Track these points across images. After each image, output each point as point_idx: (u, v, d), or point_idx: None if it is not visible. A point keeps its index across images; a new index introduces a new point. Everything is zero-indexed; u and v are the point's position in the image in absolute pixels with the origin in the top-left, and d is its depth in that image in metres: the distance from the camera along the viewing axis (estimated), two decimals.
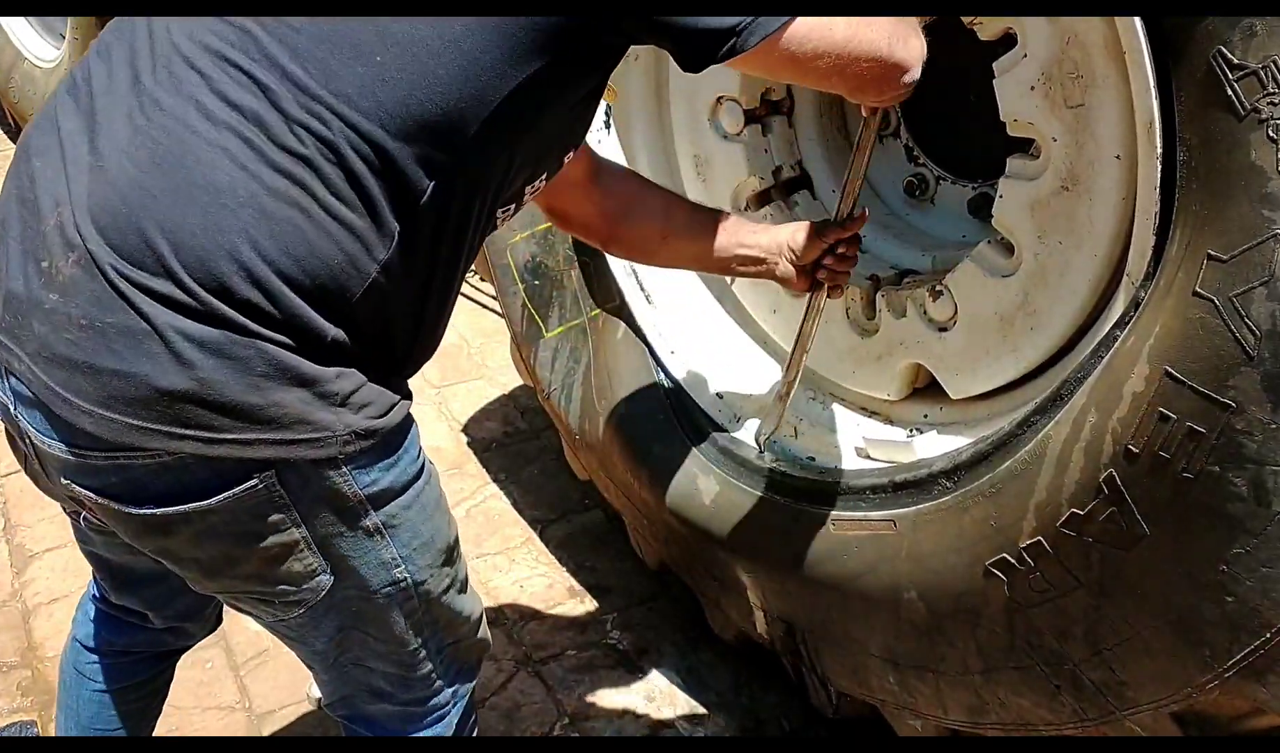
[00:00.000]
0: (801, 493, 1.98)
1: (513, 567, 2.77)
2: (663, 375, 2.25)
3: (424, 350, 1.46)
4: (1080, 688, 1.62)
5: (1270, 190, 1.26)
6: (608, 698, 2.39)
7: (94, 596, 1.82)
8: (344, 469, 1.35)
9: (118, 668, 1.84)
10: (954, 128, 2.03)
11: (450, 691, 1.63)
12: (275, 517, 1.34)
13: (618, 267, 2.27)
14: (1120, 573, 1.49)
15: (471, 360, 3.63)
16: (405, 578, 1.47)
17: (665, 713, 2.36)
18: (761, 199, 2.16)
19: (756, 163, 2.13)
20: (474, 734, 1.74)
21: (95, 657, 1.82)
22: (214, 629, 1.90)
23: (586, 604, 2.66)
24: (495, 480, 3.09)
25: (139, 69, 1.28)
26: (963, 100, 1.92)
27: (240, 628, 2.55)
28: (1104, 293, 1.62)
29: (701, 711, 2.37)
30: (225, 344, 1.22)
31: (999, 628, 1.67)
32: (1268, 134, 1.25)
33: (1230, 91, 1.27)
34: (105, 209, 1.23)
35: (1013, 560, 1.61)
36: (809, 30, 1.33)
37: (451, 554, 1.54)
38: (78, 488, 1.33)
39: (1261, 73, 1.24)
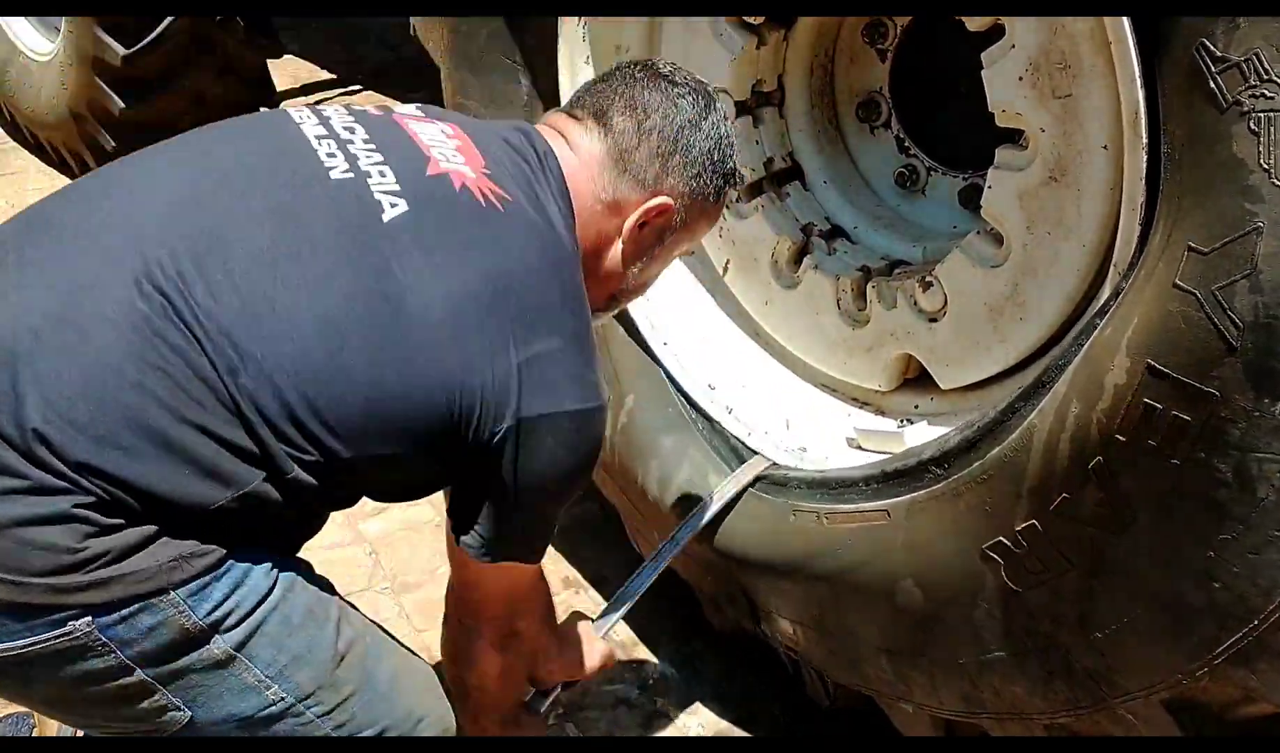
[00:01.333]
0: (794, 486, 1.99)
1: None
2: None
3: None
4: (1073, 675, 1.63)
5: (1252, 183, 1.26)
6: (604, 688, 2.40)
7: None
8: (174, 596, 1.28)
9: None
10: (944, 119, 2.04)
11: None
12: (102, 663, 1.28)
13: None
14: (1111, 558, 1.50)
15: None
16: (282, 698, 1.39)
17: (659, 703, 2.37)
18: (753, 191, 2.16)
19: (748, 154, 2.13)
20: None
21: None
22: None
23: (581, 596, 2.66)
24: None
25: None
26: (953, 91, 1.92)
27: None
28: (1092, 283, 1.63)
29: (695, 700, 2.38)
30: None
31: (995, 614, 1.68)
32: (1250, 126, 1.26)
33: (1213, 84, 1.27)
34: None
35: (1008, 542, 1.62)
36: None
37: (343, 660, 1.45)
38: None
39: (1244, 65, 1.25)
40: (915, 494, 1.75)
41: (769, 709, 2.35)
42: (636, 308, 2.25)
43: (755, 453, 2.11)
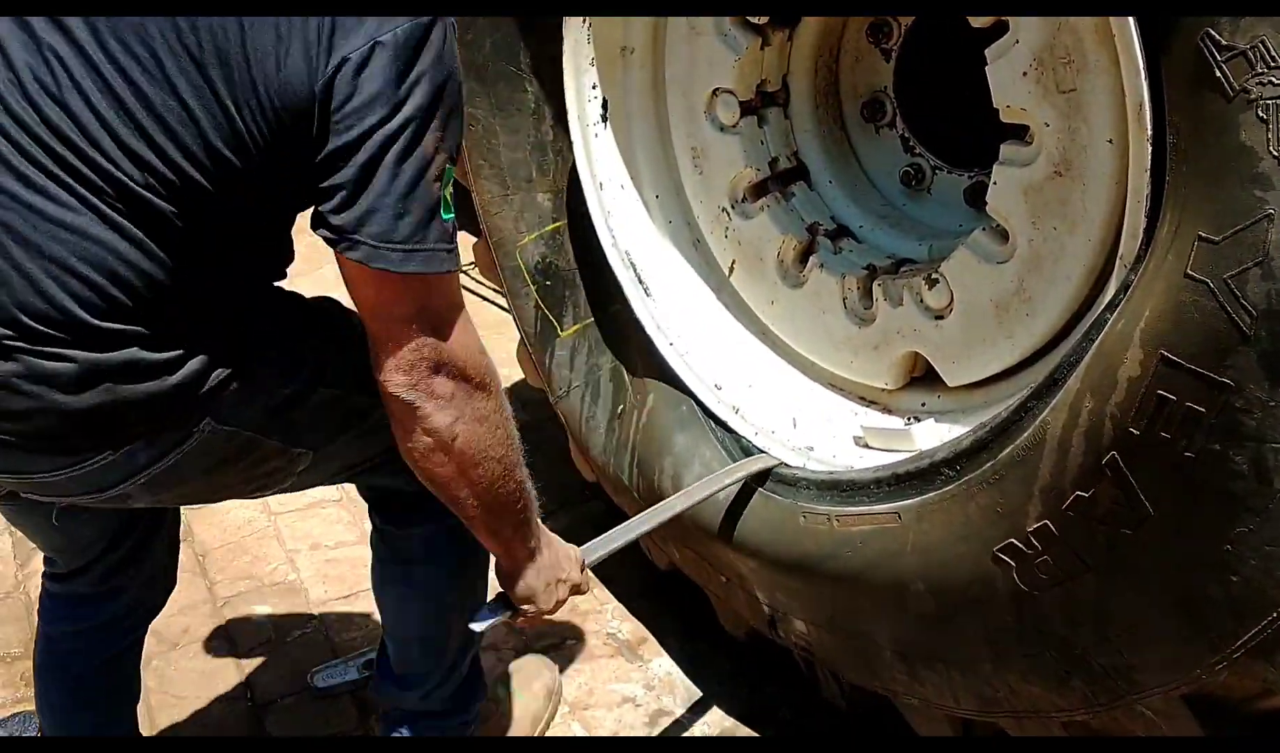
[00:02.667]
0: (803, 487, 1.99)
1: None
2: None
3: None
4: (1090, 673, 1.62)
5: (1262, 170, 1.26)
6: (608, 687, 2.40)
7: (48, 581, 1.89)
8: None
9: (84, 648, 1.90)
10: (949, 117, 2.04)
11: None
12: (233, 443, 1.54)
13: (615, 260, 2.27)
14: (1127, 554, 1.49)
15: None
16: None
17: (665, 702, 2.37)
18: (759, 191, 2.16)
19: (753, 155, 2.13)
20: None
21: (63, 641, 1.88)
22: (169, 590, 2.03)
23: (587, 594, 2.65)
24: None
25: None
26: (957, 89, 1.92)
27: (242, 619, 2.58)
28: (1099, 277, 1.62)
29: (702, 700, 2.37)
30: None
31: (1008, 616, 1.67)
32: (1258, 114, 1.25)
33: (1219, 73, 1.27)
34: None
35: (1021, 545, 1.61)
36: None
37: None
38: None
39: (1250, 53, 1.24)
40: (926, 497, 1.74)
41: (776, 709, 2.34)
42: (642, 308, 2.26)
43: (763, 452, 2.10)
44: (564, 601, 1.77)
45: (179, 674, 2.42)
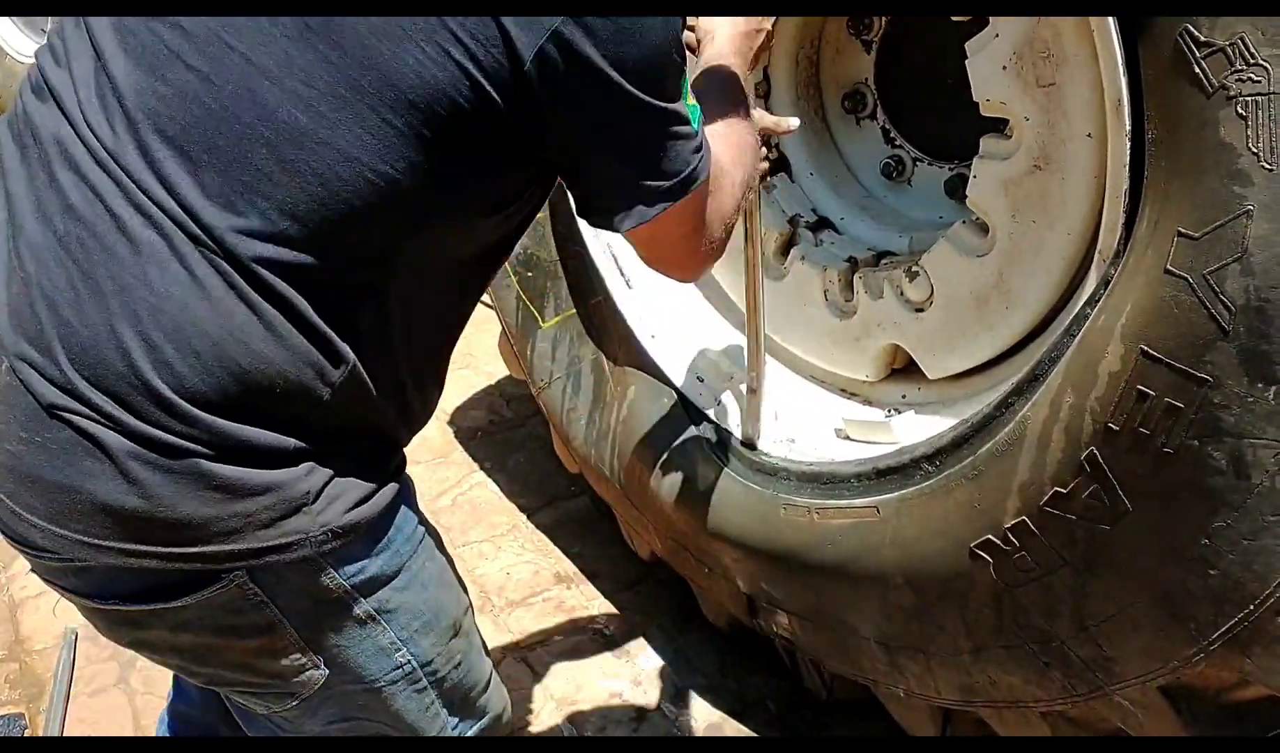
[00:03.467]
0: (783, 479, 1.99)
1: (499, 554, 2.78)
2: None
3: (414, 421, 1.39)
4: (1069, 664, 1.62)
5: (1241, 167, 1.26)
6: (595, 683, 2.40)
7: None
8: (324, 565, 1.26)
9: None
10: (930, 109, 2.03)
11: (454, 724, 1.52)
12: (253, 615, 1.26)
13: (598, 253, 2.26)
14: (1105, 550, 1.50)
15: (457, 350, 3.59)
16: (408, 661, 1.38)
17: (652, 697, 2.37)
18: None
19: None
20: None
21: None
22: None
23: (573, 590, 2.67)
24: (481, 469, 3.09)
25: (49, 157, 1.18)
26: (938, 82, 1.92)
27: None
28: (1078, 271, 1.63)
29: (688, 694, 2.38)
30: (169, 461, 1.15)
31: (986, 609, 1.68)
32: (1237, 111, 1.25)
33: (1198, 69, 1.27)
34: (25, 320, 1.16)
35: (998, 541, 1.61)
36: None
37: (459, 626, 1.45)
38: (46, 580, 1.30)
39: (1229, 50, 1.24)
40: (905, 491, 1.74)
41: (762, 702, 2.35)
42: (625, 302, 2.25)
43: (746, 444, 2.09)
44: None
45: (163, 675, 2.40)
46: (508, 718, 1.61)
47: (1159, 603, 1.47)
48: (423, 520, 1.41)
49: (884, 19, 2.02)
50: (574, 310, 2.35)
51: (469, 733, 1.51)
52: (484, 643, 1.55)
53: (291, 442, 1.19)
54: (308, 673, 1.33)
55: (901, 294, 1.91)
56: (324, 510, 1.23)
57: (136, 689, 2.37)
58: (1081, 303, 1.52)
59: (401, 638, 1.37)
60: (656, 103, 1.20)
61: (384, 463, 1.33)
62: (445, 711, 1.46)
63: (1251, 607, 1.39)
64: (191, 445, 1.14)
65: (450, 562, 1.47)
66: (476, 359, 3.54)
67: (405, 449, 1.40)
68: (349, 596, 1.30)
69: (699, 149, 1.28)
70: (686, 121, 1.25)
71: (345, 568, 1.28)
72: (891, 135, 2.11)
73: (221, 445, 1.16)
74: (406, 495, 1.37)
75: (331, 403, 1.21)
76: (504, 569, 2.73)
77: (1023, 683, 1.71)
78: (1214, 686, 1.55)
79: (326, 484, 1.23)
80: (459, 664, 1.46)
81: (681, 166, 1.26)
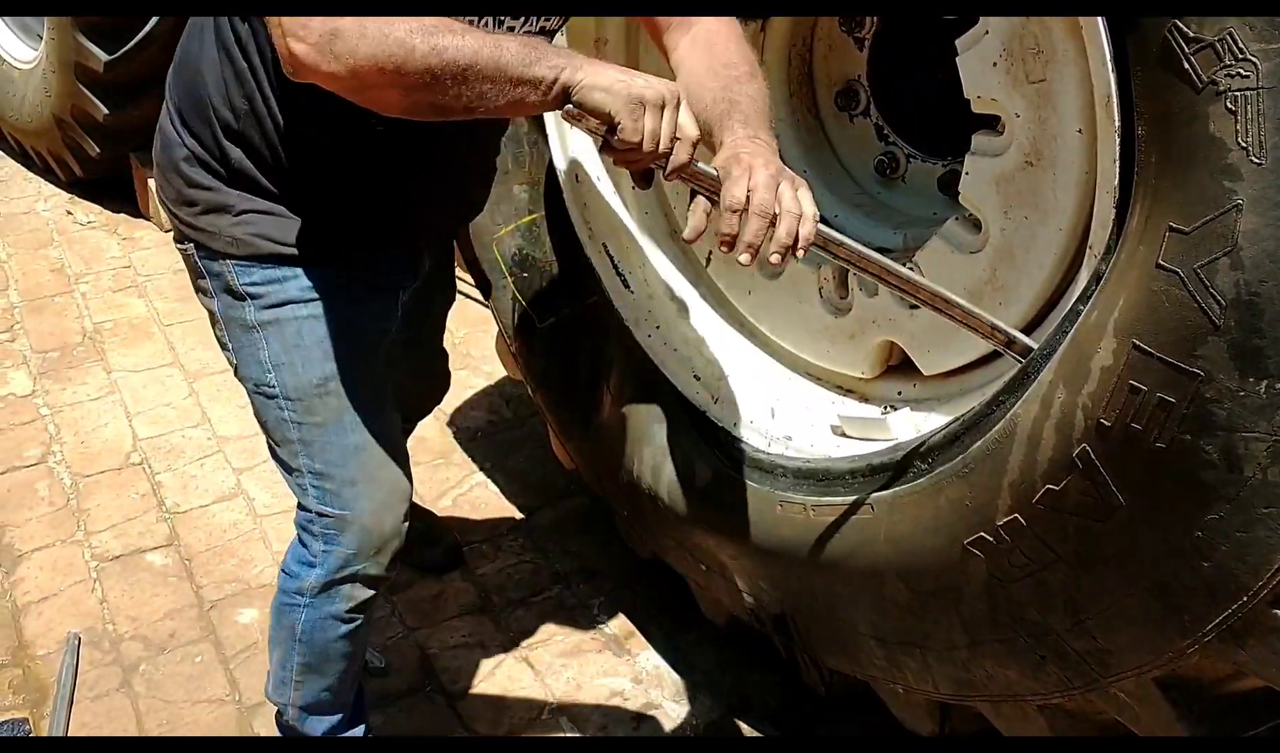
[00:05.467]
0: (779, 476, 1.99)
1: (499, 554, 2.78)
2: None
3: (367, 221, 1.73)
4: (1065, 658, 1.63)
5: (1231, 161, 1.26)
6: (595, 682, 2.41)
7: None
8: (228, 263, 1.70)
9: None
10: (923, 106, 2.04)
11: (319, 542, 1.86)
12: (199, 281, 1.78)
13: (592, 252, 2.27)
14: (1098, 544, 1.50)
15: (456, 351, 3.62)
16: (272, 385, 1.77)
17: (653, 695, 2.38)
18: None
19: None
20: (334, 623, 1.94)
21: None
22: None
23: (573, 589, 2.67)
24: (481, 469, 3.10)
25: None
26: (931, 78, 1.92)
27: (229, 622, 2.57)
28: (1070, 266, 1.63)
29: (688, 691, 2.39)
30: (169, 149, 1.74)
31: (981, 604, 1.69)
32: (1227, 105, 1.26)
33: (1187, 64, 1.27)
34: None
35: (990, 538, 1.62)
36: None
37: (322, 389, 1.76)
38: None
39: (1218, 45, 1.24)
40: (898, 488, 1.75)
41: (762, 700, 2.36)
42: (620, 299, 2.25)
43: (740, 441, 2.10)
44: (659, 134, 1.41)
45: (166, 678, 2.42)
46: (375, 566, 1.89)
47: (1153, 596, 1.48)
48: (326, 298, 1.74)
49: (876, 17, 2.03)
50: (570, 310, 2.36)
51: (317, 476, 1.82)
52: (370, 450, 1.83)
53: (234, 156, 1.66)
54: (228, 353, 1.83)
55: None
56: (238, 228, 1.69)
57: (140, 693, 2.38)
58: (1074, 299, 1.52)
59: (273, 362, 1.75)
60: None
61: (325, 231, 1.70)
62: (307, 461, 1.81)
63: (1245, 598, 1.39)
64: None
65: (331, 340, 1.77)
66: (475, 360, 3.55)
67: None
68: (243, 299, 1.73)
69: None
70: None
71: (242, 274, 1.71)
72: (885, 132, 2.11)
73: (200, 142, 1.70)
74: (330, 268, 1.73)
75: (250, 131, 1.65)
76: (504, 569, 2.73)
77: (1019, 677, 1.72)
78: (1209, 677, 1.56)
79: (249, 212, 1.68)
80: (318, 422, 1.78)
81: None
